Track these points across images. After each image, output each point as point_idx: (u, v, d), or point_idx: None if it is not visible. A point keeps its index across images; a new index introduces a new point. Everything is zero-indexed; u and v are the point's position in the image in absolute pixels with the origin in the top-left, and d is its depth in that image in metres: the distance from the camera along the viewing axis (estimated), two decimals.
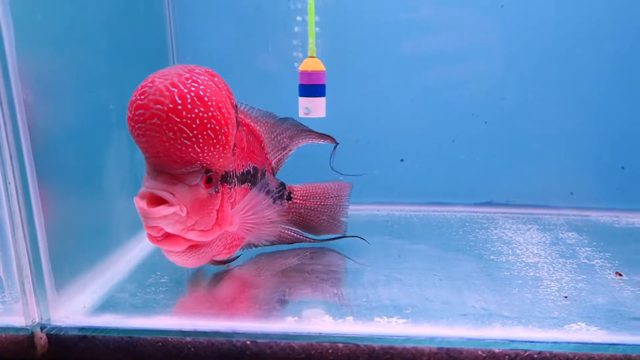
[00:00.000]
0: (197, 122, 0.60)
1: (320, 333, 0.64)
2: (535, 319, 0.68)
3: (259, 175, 0.83)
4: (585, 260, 0.89)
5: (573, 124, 1.15)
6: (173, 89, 0.59)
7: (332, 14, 1.10)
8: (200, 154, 0.62)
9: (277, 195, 0.91)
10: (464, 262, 0.88)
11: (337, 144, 0.94)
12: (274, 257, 0.90)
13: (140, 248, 0.94)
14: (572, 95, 1.14)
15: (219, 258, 0.81)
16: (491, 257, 0.91)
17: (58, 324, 0.68)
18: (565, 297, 0.74)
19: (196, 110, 0.60)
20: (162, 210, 0.61)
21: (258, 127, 0.87)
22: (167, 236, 0.65)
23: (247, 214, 0.74)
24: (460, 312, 0.70)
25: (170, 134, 0.59)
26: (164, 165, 0.62)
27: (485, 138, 1.18)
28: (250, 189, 0.79)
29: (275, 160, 0.92)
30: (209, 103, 0.61)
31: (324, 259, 0.90)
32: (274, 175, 0.93)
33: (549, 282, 0.80)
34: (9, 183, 0.65)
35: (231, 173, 0.71)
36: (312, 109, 1.03)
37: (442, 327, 0.67)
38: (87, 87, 0.83)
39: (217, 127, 0.62)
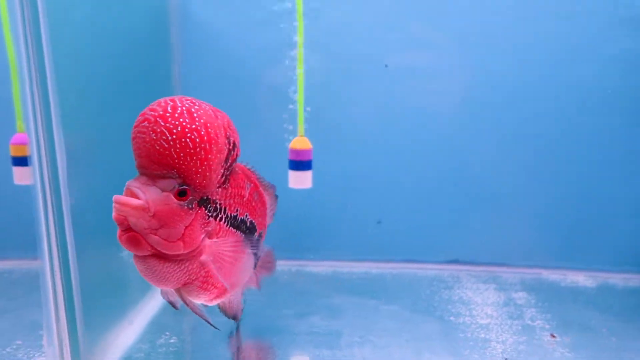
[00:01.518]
0: (179, 128, 0.65)
1: None
2: None
3: (256, 234, 0.87)
4: (529, 322, 1.05)
5: (529, 192, 1.33)
6: (170, 102, 0.67)
7: (319, 91, 1.28)
8: (176, 160, 0.66)
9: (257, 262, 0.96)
10: (428, 324, 1.04)
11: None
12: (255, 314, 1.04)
13: (150, 307, 1.08)
14: (525, 165, 1.32)
15: (192, 296, 0.79)
16: (451, 318, 1.07)
17: None
18: (506, 358, 0.91)
19: (181, 119, 0.65)
20: (130, 200, 0.66)
21: (267, 195, 0.93)
22: (130, 233, 0.67)
23: (227, 253, 0.75)
24: None
25: (153, 135, 0.65)
26: (145, 166, 0.68)
27: (453, 202, 1.35)
28: (243, 240, 0.81)
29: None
30: (197, 119, 0.66)
31: (307, 320, 1.06)
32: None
33: (495, 344, 0.96)
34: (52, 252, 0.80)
35: (217, 205, 0.74)
36: (300, 181, 1.21)
37: None
38: (116, 148, 0.98)
39: (198, 140, 0.66)
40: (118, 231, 0.68)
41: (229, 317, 0.95)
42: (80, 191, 0.84)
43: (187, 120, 0.66)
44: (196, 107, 0.68)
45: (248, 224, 0.83)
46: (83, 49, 0.89)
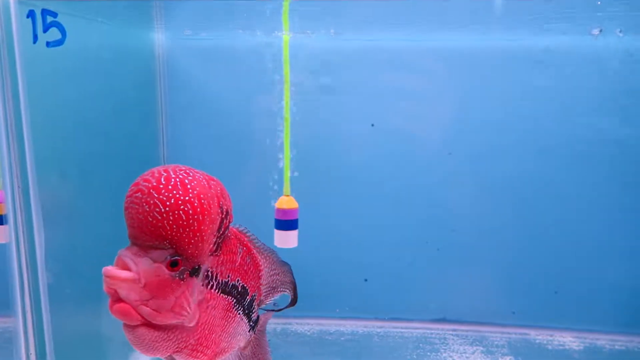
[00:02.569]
0: (172, 201, 0.64)
1: None
2: None
3: (248, 298, 0.85)
4: None
5: (513, 251, 1.33)
6: (164, 173, 0.66)
7: (306, 150, 1.29)
8: (169, 232, 0.65)
9: (253, 325, 1.01)
10: None
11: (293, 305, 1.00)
12: None
13: None
14: (511, 227, 1.32)
15: None
16: None
17: None
18: None
19: (174, 192, 0.65)
20: (121, 272, 0.64)
21: (260, 258, 0.90)
22: (120, 304, 0.66)
23: (217, 319, 0.75)
24: None
25: (146, 206, 0.64)
26: (137, 236, 0.66)
27: (438, 261, 1.35)
28: (234, 304, 0.81)
29: (264, 295, 0.94)
30: (190, 190, 0.65)
31: None
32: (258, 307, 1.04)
33: None
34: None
35: (208, 273, 0.74)
36: (285, 240, 1.20)
37: None
38: (98, 208, 0.97)
39: (191, 212, 0.65)
40: (109, 301, 0.66)
41: None
42: (57, 250, 0.83)
43: (180, 192, 0.65)
44: (190, 177, 0.67)
45: (239, 289, 0.82)
46: (63, 106, 0.89)
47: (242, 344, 0.88)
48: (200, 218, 0.67)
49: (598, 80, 1.25)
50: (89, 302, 0.95)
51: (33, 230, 0.80)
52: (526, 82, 1.27)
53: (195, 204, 0.66)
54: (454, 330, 1.32)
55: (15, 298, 0.80)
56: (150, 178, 0.67)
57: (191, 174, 0.68)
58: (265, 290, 0.96)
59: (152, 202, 0.65)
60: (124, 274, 0.65)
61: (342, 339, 1.27)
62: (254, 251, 0.90)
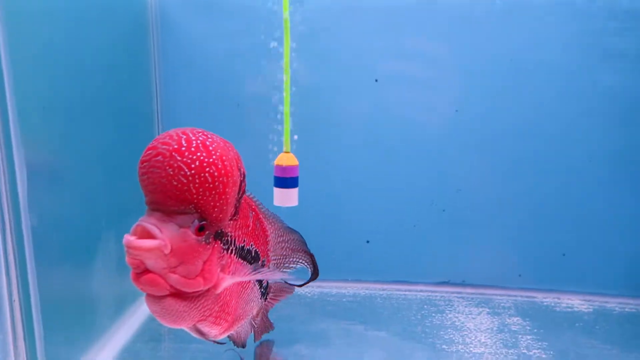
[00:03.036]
0: (197, 163, 0.62)
1: None
2: None
3: (259, 262, 0.84)
4: (525, 351, 1.00)
5: (520, 212, 1.29)
6: (183, 136, 0.64)
7: (306, 105, 1.23)
8: (195, 196, 0.63)
9: (263, 292, 0.93)
10: (419, 352, 0.99)
11: (315, 279, 0.98)
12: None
13: (121, 335, 1.01)
14: (518, 188, 1.28)
15: (205, 330, 0.77)
16: (443, 346, 1.01)
17: None
18: None
19: (198, 154, 0.62)
20: (146, 242, 0.61)
21: (266, 222, 0.90)
22: (148, 274, 0.64)
23: (236, 285, 0.74)
24: None
25: (170, 170, 0.62)
26: (160, 202, 0.64)
27: (443, 223, 1.30)
28: (249, 270, 0.79)
29: (273, 262, 0.92)
30: (213, 152, 0.63)
31: (291, 349, 0.99)
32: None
33: None
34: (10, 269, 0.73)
35: (229, 237, 0.72)
36: (285, 199, 1.15)
37: None
38: (82, 173, 0.93)
39: (216, 174, 0.63)
40: (132, 273, 0.64)
41: (238, 346, 0.91)
42: (42, 212, 0.78)
43: (204, 154, 0.63)
44: (210, 139, 0.64)
45: (253, 254, 0.81)
46: (48, 50, 0.83)
47: (254, 312, 0.85)
48: (225, 180, 0.64)
49: (602, 36, 1.19)
50: (76, 257, 0.91)
51: (17, 190, 0.74)
52: (532, 38, 1.21)
53: (220, 166, 0.64)
54: (459, 292, 1.28)
55: None
56: (170, 141, 0.63)
57: (210, 136, 0.65)
58: (274, 257, 0.93)
59: (175, 165, 0.62)
60: (150, 242, 0.62)
61: (344, 300, 1.23)
62: (261, 216, 0.88)
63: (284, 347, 1.00)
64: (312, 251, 1.20)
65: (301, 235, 0.97)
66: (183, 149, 0.62)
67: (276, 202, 1.14)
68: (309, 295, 1.25)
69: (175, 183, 0.62)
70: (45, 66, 0.82)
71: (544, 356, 0.98)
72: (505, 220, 1.29)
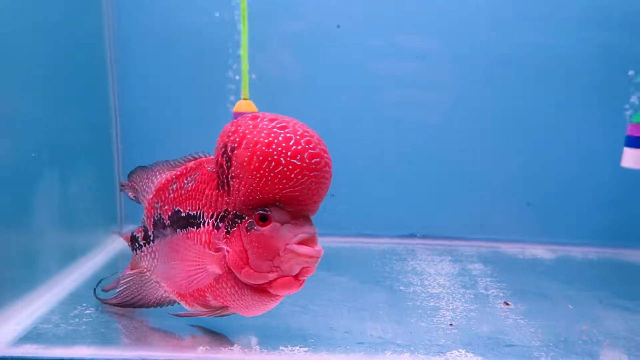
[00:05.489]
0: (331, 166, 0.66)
1: None
2: (424, 347, 0.77)
3: None
4: (483, 291, 0.99)
5: (485, 165, 1.27)
6: (321, 139, 0.66)
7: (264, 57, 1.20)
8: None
9: None
10: (375, 293, 0.97)
11: None
12: None
13: (70, 280, 0.98)
14: (483, 139, 1.26)
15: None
16: (400, 288, 1.00)
17: None
18: (451, 324, 0.83)
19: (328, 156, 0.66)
20: (320, 251, 0.65)
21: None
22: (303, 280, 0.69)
23: None
24: (358, 340, 0.78)
25: (329, 180, 0.65)
26: (314, 209, 0.66)
27: (409, 176, 1.28)
28: None
29: None
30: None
31: None
32: None
33: (444, 312, 0.89)
34: None
35: None
36: None
37: (338, 354, 0.74)
38: (20, 128, 0.88)
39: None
40: (295, 282, 0.67)
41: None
42: None
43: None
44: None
45: None
46: None
47: None
48: None
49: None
50: (20, 216, 0.88)
51: None
52: None
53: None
54: (423, 244, 1.27)
55: None
56: (324, 147, 0.65)
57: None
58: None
59: (329, 172, 0.65)
60: (321, 251, 0.65)
61: None
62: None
63: None
64: None
65: None
66: (329, 156, 0.65)
67: None
68: None
69: (327, 190, 0.66)
70: None
71: (501, 294, 0.97)
72: (472, 173, 1.27)
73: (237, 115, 1.11)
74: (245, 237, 0.66)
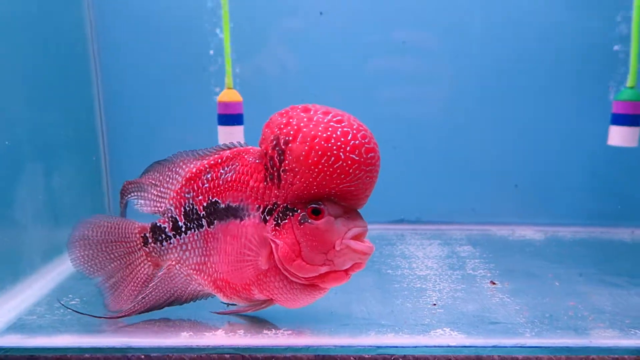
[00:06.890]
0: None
1: (208, 345, 0.70)
2: (408, 326, 0.77)
3: None
4: (470, 272, 0.99)
5: (473, 148, 1.27)
6: (369, 133, 0.67)
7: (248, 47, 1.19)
8: None
9: None
10: (362, 277, 0.96)
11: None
12: None
13: (56, 273, 0.98)
14: (470, 122, 1.26)
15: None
16: (388, 271, 0.99)
17: None
18: (434, 304, 0.83)
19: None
20: (373, 247, 0.69)
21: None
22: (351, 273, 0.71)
23: None
24: (343, 322, 0.78)
25: (378, 171, 0.68)
26: (364, 203, 0.69)
27: (396, 161, 1.28)
28: None
29: None
30: None
31: None
32: None
33: (431, 293, 0.89)
34: None
35: None
36: (230, 137, 1.11)
37: (322, 336, 0.74)
38: (1, 123, 0.88)
39: None
40: (343, 274, 0.70)
41: None
42: None
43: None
44: None
45: None
46: None
47: None
48: None
49: None
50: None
51: None
52: None
53: None
54: (413, 229, 1.26)
55: None
56: (375, 141, 0.66)
57: None
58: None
59: (379, 167, 0.67)
60: (373, 246, 0.69)
61: None
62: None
63: None
64: None
65: None
66: (377, 147, 0.67)
67: (221, 141, 1.11)
68: None
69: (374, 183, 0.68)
70: None
71: (488, 274, 0.97)
72: (461, 157, 1.27)
73: (222, 105, 1.11)
74: (298, 230, 0.67)
